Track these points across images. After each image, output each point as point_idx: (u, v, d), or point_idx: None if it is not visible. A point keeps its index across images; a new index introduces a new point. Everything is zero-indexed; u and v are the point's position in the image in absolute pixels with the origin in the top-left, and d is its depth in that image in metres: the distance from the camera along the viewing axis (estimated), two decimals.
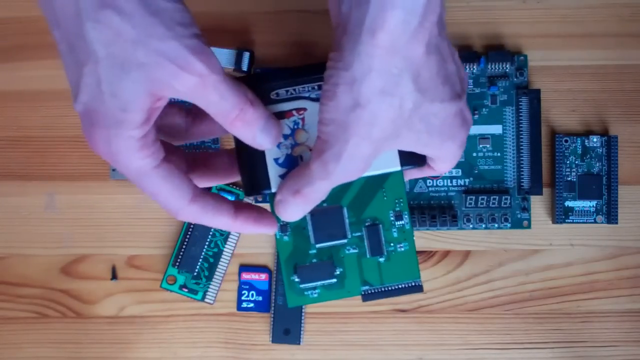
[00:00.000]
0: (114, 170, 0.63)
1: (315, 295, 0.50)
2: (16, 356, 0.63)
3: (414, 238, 0.50)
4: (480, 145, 0.63)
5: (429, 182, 0.63)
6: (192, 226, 0.62)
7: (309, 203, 0.45)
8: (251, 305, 0.63)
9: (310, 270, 0.49)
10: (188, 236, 0.62)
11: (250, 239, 0.63)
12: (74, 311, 0.63)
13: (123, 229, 0.64)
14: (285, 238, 0.49)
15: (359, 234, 0.49)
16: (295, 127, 0.47)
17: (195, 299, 0.63)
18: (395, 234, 0.49)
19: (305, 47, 0.63)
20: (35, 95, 0.64)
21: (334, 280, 0.49)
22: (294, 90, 0.47)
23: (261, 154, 0.47)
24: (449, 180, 0.63)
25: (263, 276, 0.63)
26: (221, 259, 0.63)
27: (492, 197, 0.62)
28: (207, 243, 0.63)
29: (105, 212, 0.64)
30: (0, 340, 0.63)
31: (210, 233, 0.63)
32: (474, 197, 0.62)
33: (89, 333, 0.63)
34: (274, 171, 0.47)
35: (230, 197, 0.62)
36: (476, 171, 0.63)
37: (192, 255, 0.62)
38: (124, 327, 0.63)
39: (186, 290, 0.63)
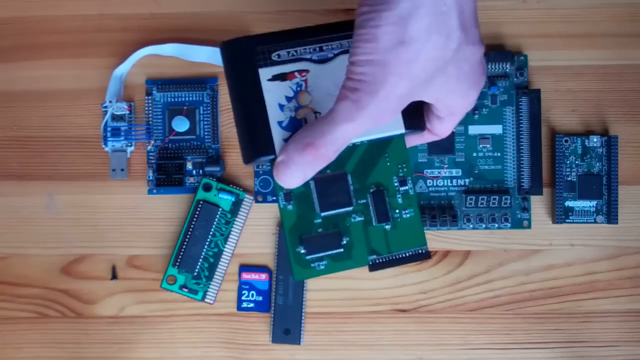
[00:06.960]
0: (113, 170, 0.63)
1: (323, 267, 0.48)
2: (16, 356, 0.63)
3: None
4: (481, 145, 0.63)
5: (429, 182, 0.63)
6: (192, 226, 0.62)
7: (317, 160, 0.43)
8: (251, 305, 0.63)
9: (317, 240, 0.48)
10: (188, 236, 0.62)
11: (250, 239, 0.63)
12: (74, 311, 0.63)
13: (123, 229, 0.64)
14: (290, 207, 0.47)
15: (364, 201, 0.48)
16: (298, 89, 0.46)
17: (196, 299, 0.63)
18: (400, 200, 0.48)
19: None
20: (35, 95, 0.64)
21: (341, 250, 0.48)
22: (295, 51, 0.46)
23: (264, 116, 0.45)
24: (449, 180, 0.63)
25: (263, 276, 0.63)
26: (221, 259, 0.63)
27: (492, 197, 0.62)
28: (207, 243, 0.62)
29: (105, 212, 0.64)
30: (0, 340, 0.63)
31: (211, 233, 0.62)
32: (474, 197, 0.62)
33: (89, 333, 0.63)
34: (277, 134, 0.46)
35: (230, 197, 0.62)
36: (476, 171, 0.63)
37: (192, 255, 0.62)
38: (124, 327, 0.63)
39: (186, 290, 0.63)
